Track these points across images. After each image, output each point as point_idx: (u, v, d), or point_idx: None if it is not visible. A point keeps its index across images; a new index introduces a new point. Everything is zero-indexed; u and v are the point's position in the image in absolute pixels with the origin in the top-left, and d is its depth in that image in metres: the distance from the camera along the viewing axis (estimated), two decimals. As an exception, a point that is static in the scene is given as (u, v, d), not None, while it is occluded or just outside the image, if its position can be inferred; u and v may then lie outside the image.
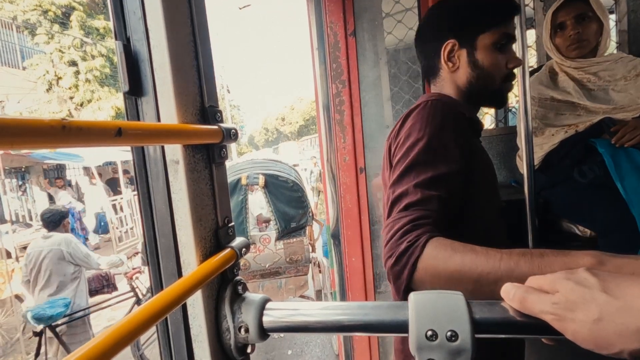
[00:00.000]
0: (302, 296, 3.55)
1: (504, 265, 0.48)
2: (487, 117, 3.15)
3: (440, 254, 0.52)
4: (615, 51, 1.63)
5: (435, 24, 0.82)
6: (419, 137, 0.66)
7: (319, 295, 3.91)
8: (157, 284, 0.41)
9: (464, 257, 0.50)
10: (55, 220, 2.88)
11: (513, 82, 0.82)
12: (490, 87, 0.78)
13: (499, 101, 0.83)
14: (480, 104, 0.84)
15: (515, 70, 0.82)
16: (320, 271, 3.82)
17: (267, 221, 3.66)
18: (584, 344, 0.32)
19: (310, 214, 3.52)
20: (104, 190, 8.01)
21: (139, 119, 0.41)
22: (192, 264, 0.41)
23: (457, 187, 0.63)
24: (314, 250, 3.75)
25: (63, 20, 10.28)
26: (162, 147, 0.40)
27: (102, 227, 7.96)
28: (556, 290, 0.34)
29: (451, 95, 0.81)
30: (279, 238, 3.30)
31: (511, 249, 0.50)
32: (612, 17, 1.64)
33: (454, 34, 0.77)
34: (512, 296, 0.36)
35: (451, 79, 0.80)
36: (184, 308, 0.42)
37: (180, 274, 0.41)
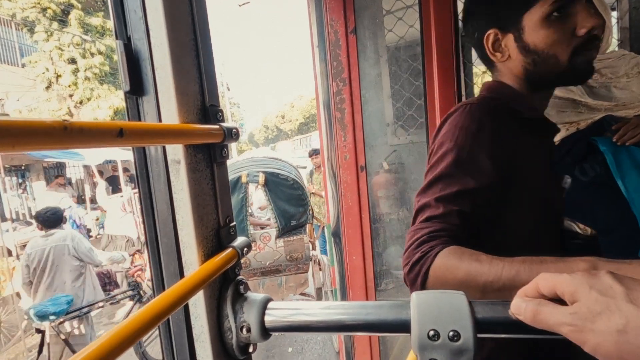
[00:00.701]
0: (302, 294, 3.56)
1: (505, 274, 0.50)
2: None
3: (448, 264, 0.54)
4: (616, 49, 1.63)
5: (472, 12, 0.74)
6: (450, 147, 0.64)
7: (319, 293, 3.92)
8: (159, 284, 0.41)
9: (470, 267, 0.52)
10: (53, 219, 2.89)
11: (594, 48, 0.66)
12: (555, 69, 0.65)
13: (577, 78, 0.69)
14: (551, 87, 0.73)
15: None
16: (320, 269, 3.82)
17: (263, 226, 3.63)
18: (606, 358, 0.29)
19: (310, 212, 3.52)
20: (68, 196, 7.42)
21: (140, 119, 0.40)
22: (193, 264, 0.41)
23: (484, 200, 0.62)
24: (314, 248, 3.75)
25: (62, 17, 10.24)
26: (164, 147, 0.40)
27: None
28: (575, 299, 0.31)
29: (512, 84, 0.72)
30: (279, 236, 3.30)
31: (514, 257, 0.51)
32: (614, 14, 1.64)
33: (493, 22, 0.68)
34: (523, 310, 0.35)
35: (505, 69, 0.72)
36: (186, 308, 0.42)
37: (182, 274, 0.41)
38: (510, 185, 0.64)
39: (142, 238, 4.97)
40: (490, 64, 0.76)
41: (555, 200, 0.74)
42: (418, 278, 0.56)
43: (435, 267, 0.55)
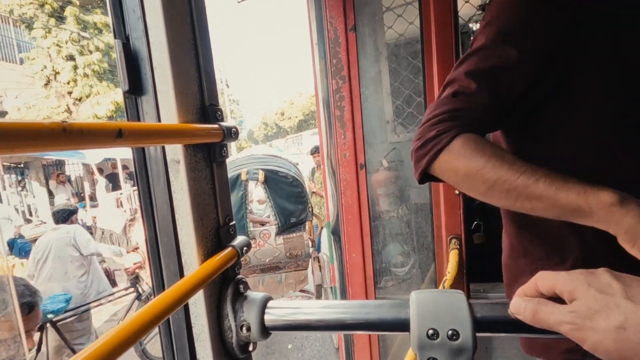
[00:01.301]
0: (302, 290, 3.57)
1: (522, 179, 0.46)
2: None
3: (466, 152, 0.50)
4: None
5: None
6: (494, 16, 0.54)
7: (318, 290, 3.94)
8: (159, 284, 0.42)
9: (489, 161, 0.48)
10: (63, 216, 3.07)
11: None
12: None
13: None
14: None
15: None
16: (320, 266, 3.84)
17: (263, 223, 3.63)
18: (606, 355, 0.29)
19: (310, 209, 3.53)
20: (67, 197, 6.73)
21: (139, 118, 0.40)
22: (193, 264, 0.41)
23: (528, 79, 0.52)
24: (313, 245, 3.76)
25: (60, 14, 10.18)
26: (163, 147, 0.40)
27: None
28: (574, 298, 0.31)
29: None
30: (278, 233, 3.31)
31: (540, 167, 0.47)
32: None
33: None
34: (522, 310, 0.34)
35: None
36: (186, 307, 0.42)
37: (181, 274, 0.41)
38: (587, 63, 0.51)
39: (128, 234, 4.95)
40: None
41: None
42: (426, 157, 0.52)
43: (450, 150, 0.50)
